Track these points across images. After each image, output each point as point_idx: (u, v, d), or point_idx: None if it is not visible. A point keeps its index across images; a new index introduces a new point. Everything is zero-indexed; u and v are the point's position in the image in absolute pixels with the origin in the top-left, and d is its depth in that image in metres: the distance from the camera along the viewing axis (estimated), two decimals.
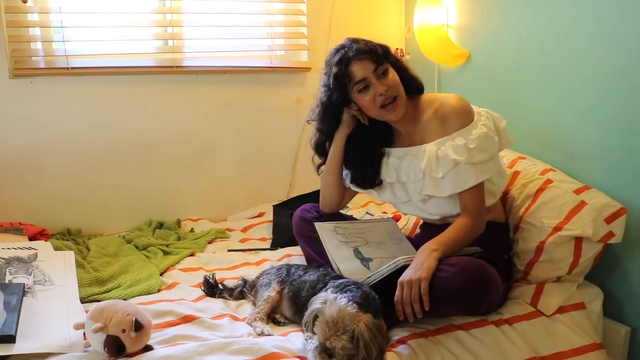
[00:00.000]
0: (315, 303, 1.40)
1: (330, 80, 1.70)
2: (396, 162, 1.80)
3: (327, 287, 1.51)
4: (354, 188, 1.91)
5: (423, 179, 1.71)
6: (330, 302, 1.38)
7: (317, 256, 1.82)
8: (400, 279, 1.48)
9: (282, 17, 2.68)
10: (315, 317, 1.37)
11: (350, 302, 1.37)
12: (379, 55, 1.68)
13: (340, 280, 1.53)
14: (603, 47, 1.81)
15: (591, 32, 1.84)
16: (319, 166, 1.92)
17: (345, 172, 1.90)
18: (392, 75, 1.70)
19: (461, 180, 1.65)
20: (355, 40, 1.70)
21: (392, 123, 1.79)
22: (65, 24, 2.30)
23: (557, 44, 1.97)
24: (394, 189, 1.82)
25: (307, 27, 2.67)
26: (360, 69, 1.67)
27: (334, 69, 1.69)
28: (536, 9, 2.06)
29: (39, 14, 2.33)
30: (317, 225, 1.81)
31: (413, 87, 1.78)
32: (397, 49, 2.64)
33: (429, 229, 1.84)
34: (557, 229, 1.73)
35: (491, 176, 1.70)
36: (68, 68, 2.30)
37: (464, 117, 1.69)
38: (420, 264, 1.48)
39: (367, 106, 1.71)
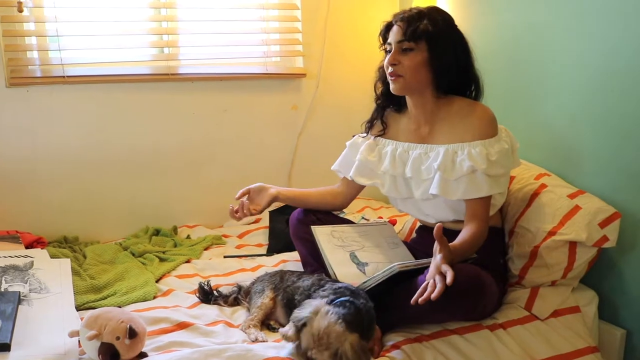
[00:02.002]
0: (306, 308, 1.39)
1: (381, 28, 1.77)
2: (404, 156, 1.78)
3: (324, 288, 1.51)
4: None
5: (432, 178, 1.69)
6: (321, 315, 1.37)
7: (312, 259, 1.82)
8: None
9: (277, 24, 2.68)
10: (304, 325, 1.37)
11: (340, 321, 1.34)
12: (415, 32, 1.65)
13: (339, 285, 1.52)
14: (596, 50, 1.82)
15: (584, 35, 1.85)
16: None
17: (355, 163, 1.87)
18: (415, 58, 1.67)
19: (474, 188, 1.63)
20: (415, 8, 1.72)
21: (410, 107, 1.79)
22: (61, 33, 2.31)
23: (551, 47, 1.98)
24: (397, 183, 1.80)
25: (302, 33, 2.67)
26: (393, 33, 1.70)
27: (387, 22, 1.76)
28: (530, 12, 2.07)
29: (34, 23, 2.34)
30: (314, 228, 1.81)
31: (448, 87, 1.72)
32: None
33: (425, 234, 1.84)
34: (551, 233, 1.73)
35: (501, 191, 1.70)
36: (64, 77, 2.31)
37: (491, 128, 1.68)
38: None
39: (384, 65, 1.75)
